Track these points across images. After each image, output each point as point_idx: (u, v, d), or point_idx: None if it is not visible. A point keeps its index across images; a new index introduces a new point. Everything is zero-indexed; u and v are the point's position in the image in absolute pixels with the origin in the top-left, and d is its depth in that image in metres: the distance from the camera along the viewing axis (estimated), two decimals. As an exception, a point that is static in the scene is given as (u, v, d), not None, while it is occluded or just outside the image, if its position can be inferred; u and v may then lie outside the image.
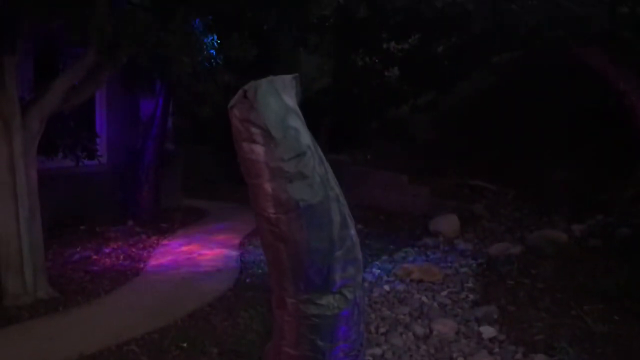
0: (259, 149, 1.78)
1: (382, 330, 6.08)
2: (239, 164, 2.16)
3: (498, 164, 11.64)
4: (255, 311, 6.12)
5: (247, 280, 7.45)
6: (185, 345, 5.48)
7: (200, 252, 8.90)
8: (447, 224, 9.68)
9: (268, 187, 1.83)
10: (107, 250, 8.79)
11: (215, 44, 7.48)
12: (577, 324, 5.91)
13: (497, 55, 12.33)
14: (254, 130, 1.82)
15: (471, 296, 6.80)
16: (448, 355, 5.39)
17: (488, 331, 5.76)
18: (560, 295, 6.58)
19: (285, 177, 1.82)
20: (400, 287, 7.25)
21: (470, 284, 7.19)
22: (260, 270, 7.87)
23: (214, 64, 7.61)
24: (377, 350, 5.61)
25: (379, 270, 7.95)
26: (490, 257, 7.98)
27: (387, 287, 7.29)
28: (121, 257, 8.55)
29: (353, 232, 2.03)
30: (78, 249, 8.72)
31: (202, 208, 12.42)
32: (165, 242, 9.56)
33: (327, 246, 1.91)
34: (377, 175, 12.49)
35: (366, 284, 7.45)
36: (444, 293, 6.97)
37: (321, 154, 1.90)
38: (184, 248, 9.18)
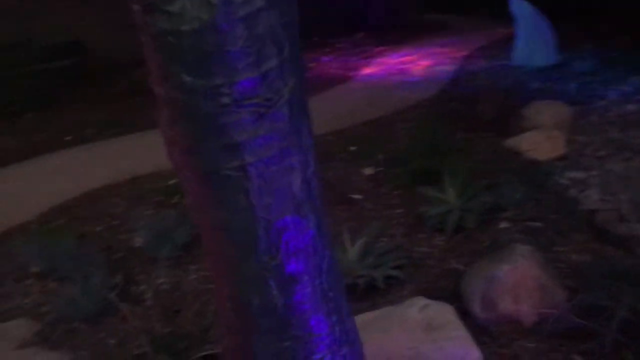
0: None
1: (600, 153, 4.80)
2: None
3: None
4: (441, 123, 5.30)
5: (452, 91, 6.55)
6: (354, 148, 5.08)
7: (418, 63, 8.13)
8: None
9: None
10: (325, 59, 8.61)
11: None
12: None
13: None
14: None
15: None
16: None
17: None
18: None
19: None
20: (647, 107, 5.59)
21: None
22: (474, 82, 6.85)
23: None
24: (580, 175, 4.45)
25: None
26: None
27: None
28: (336, 65, 8.30)
29: None
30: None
31: (444, 21, 11.30)
32: (388, 53, 8.98)
33: None
34: None
35: (604, 102, 5.97)
36: None
37: None
38: (404, 59, 8.49)
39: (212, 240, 1.55)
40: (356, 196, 4.26)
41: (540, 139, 4.66)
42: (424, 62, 8.11)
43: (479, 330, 2.75)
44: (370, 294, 3.08)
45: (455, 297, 2.96)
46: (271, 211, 1.42)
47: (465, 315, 2.82)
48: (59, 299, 3.12)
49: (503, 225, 3.58)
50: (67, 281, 3.31)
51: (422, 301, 2.76)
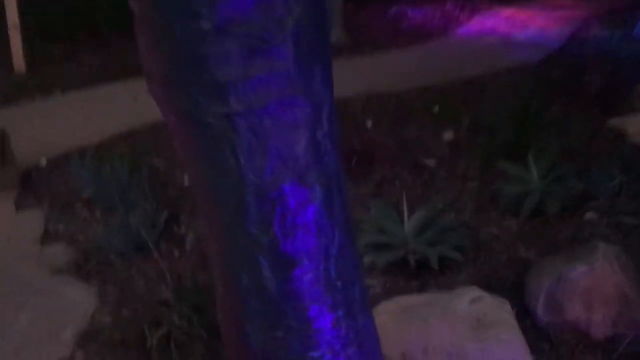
0: None
1: None
2: None
3: None
4: (538, 92, 4.73)
5: (558, 57, 5.88)
6: (436, 109, 4.65)
7: (527, 23, 7.39)
8: None
9: None
10: (426, 10, 8.02)
11: None
12: None
13: None
14: None
15: None
16: None
17: None
18: None
19: None
20: None
21: None
22: (586, 51, 6.11)
23: None
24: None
25: None
26: None
27: None
28: (437, 17, 7.71)
29: None
30: (400, 5, 8.17)
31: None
32: (497, 8, 8.22)
33: None
34: None
35: None
36: None
37: None
38: (513, 17, 7.75)
39: (201, 198, 1.29)
40: (429, 162, 3.88)
41: (654, 121, 4.05)
42: (535, 23, 7.35)
43: (538, 335, 2.39)
44: (422, 273, 2.77)
45: (516, 291, 2.59)
46: (264, 175, 1.13)
47: (524, 314, 2.47)
48: (99, 230, 3.03)
49: (590, 216, 3.11)
50: (113, 212, 3.22)
51: (475, 292, 2.42)
